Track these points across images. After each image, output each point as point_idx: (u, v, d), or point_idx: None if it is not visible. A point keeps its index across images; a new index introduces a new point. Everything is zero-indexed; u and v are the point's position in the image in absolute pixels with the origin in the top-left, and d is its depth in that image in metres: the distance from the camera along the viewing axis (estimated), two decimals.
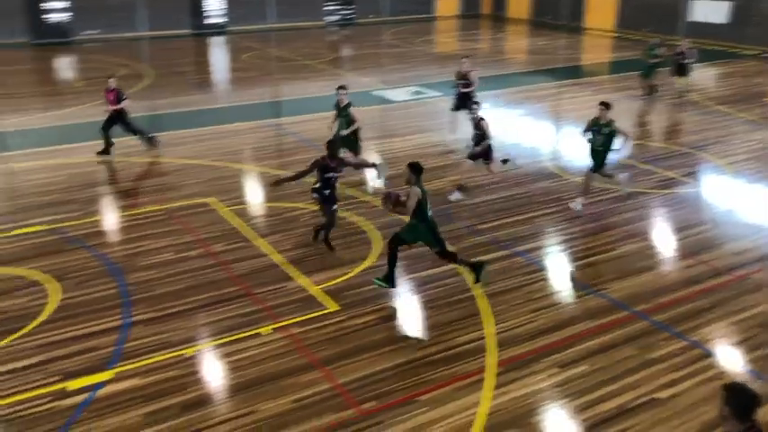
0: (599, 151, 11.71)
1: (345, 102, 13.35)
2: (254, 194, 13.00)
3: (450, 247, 9.32)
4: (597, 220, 11.59)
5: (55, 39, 30.42)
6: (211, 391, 7.28)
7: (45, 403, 6.98)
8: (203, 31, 33.77)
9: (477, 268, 8.90)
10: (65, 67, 27.27)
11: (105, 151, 14.87)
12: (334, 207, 10.17)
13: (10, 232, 10.95)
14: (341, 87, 13.38)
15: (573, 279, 9.68)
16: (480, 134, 12.18)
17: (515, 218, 11.67)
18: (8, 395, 7.10)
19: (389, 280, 8.87)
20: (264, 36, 33.18)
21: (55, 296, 9.03)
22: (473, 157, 12.37)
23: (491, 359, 7.73)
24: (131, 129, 15.15)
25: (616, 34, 34.12)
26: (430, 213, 8.79)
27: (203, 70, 27.37)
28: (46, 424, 6.69)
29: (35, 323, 8.38)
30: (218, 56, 30.55)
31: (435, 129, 17.20)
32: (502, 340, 8.11)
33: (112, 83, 14.98)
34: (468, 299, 9.04)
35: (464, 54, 16.87)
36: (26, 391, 7.16)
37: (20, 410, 6.88)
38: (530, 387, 7.28)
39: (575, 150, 14.52)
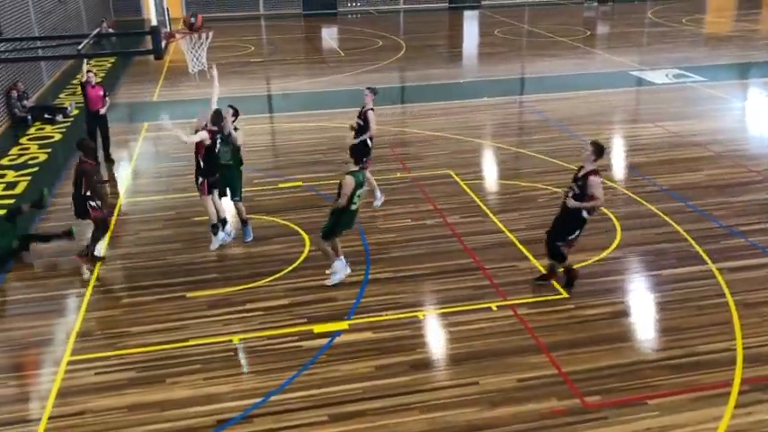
0: None
1: (229, 127, 9.65)
2: (493, 171, 13.06)
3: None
4: None
5: (323, 10, 33.01)
6: (438, 355, 7.54)
7: (292, 341, 7.76)
8: (459, 5, 34.30)
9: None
10: (329, 37, 29.43)
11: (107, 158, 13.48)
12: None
13: (277, 185, 12.24)
14: (231, 107, 9.83)
15: None
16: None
17: None
18: (263, 329, 8.01)
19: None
20: (519, 11, 32.82)
21: (306, 247, 9.93)
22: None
23: (737, 374, 7.02)
24: (105, 143, 13.43)
25: None
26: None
27: (455, 44, 27.86)
28: (291, 360, 7.43)
29: (289, 269, 9.30)
30: (471, 30, 30.84)
31: (694, 117, 15.78)
32: (751, 356, 7.30)
33: (93, 77, 13.15)
34: (719, 305, 8.25)
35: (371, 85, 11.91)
36: (277, 327, 8.02)
37: (272, 344, 7.73)
38: None
39: None
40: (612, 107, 16.92)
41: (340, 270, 8.86)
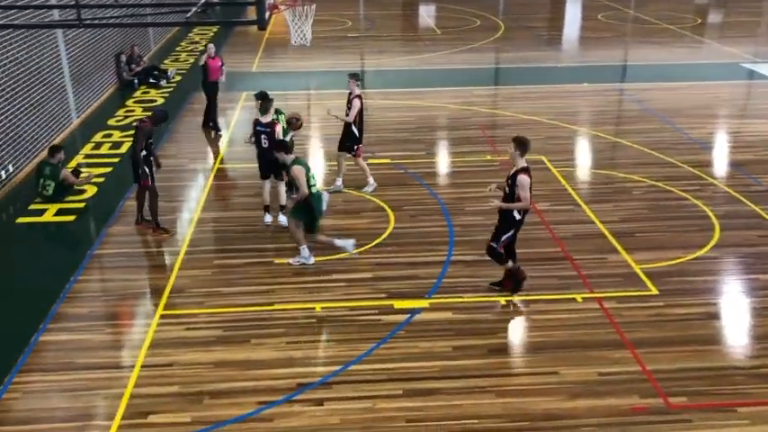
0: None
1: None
2: (587, 159, 12.70)
3: None
4: None
5: None
6: (518, 342, 7.49)
7: (372, 314, 7.87)
8: None
9: None
10: (426, 14, 29.19)
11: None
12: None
13: (366, 161, 12.31)
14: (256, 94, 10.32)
15: None
16: None
17: None
18: (345, 300, 8.15)
19: None
20: None
21: (391, 223, 10.00)
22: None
23: None
24: (214, 110, 14.03)
25: None
26: None
27: (555, 27, 27.08)
28: (371, 332, 7.55)
29: (373, 243, 9.40)
30: (573, 13, 29.86)
31: None
32: None
33: (213, 49, 13.92)
34: None
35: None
36: (359, 300, 8.15)
37: (352, 315, 7.87)
38: None
39: None
40: (719, 100, 16.07)
41: (307, 257, 8.88)
